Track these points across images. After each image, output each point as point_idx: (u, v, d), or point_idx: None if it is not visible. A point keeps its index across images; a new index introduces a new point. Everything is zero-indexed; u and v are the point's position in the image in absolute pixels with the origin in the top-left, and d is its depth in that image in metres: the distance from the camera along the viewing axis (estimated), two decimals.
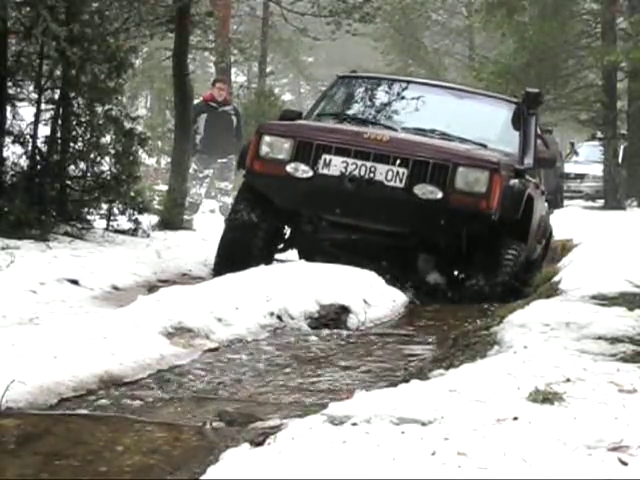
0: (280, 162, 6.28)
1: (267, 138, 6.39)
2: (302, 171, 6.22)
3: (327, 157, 6.17)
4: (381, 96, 7.46)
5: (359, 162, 6.10)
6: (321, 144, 6.22)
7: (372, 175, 6.08)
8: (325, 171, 6.16)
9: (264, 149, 6.36)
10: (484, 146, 6.69)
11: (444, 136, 6.73)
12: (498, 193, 6.03)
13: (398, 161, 6.08)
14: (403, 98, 7.36)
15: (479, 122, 7.17)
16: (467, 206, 6.02)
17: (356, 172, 6.09)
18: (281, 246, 6.88)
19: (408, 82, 7.80)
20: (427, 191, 6.04)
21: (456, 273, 6.68)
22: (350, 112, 7.35)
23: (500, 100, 7.64)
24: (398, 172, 6.07)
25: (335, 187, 6.12)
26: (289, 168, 6.24)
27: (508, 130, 7.17)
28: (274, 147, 6.34)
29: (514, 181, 6.28)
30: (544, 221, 8.11)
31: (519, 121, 7.18)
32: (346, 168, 6.11)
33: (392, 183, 6.06)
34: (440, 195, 6.03)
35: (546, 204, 8.69)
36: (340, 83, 7.64)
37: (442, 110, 7.24)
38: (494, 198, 6.02)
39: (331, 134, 6.38)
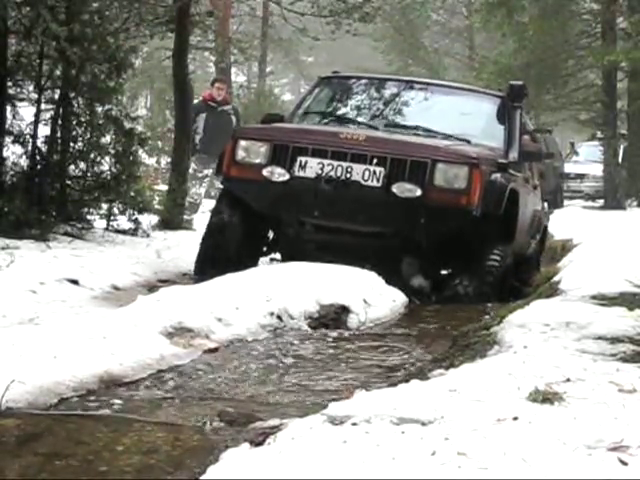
0: (256, 166, 6.19)
1: (243, 142, 6.30)
2: (278, 174, 6.12)
3: (303, 159, 6.07)
4: (363, 95, 7.36)
5: (335, 163, 6.00)
6: (297, 146, 6.12)
7: (349, 175, 5.97)
8: (301, 173, 6.06)
9: (240, 154, 6.27)
10: (467, 141, 6.56)
11: (427, 133, 6.62)
12: (479, 188, 5.89)
13: (375, 160, 5.96)
14: (385, 96, 7.26)
15: (462, 117, 7.04)
16: (447, 203, 5.89)
17: (332, 173, 5.98)
18: (264, 249, 6.78)
19: (390, 80, 7.72)
20: (405, 189, 5.93)
21: (440, 276, 6.50)
22: (332, 113, 7.23)
23: (484, 94, 7.53)
24: (375, 171, 5.95)
25: (312, 189, 6.02)
26: (265, 172, 6.15)
27: (492, 124, 7.02)
28: (250, 151, 6.26)
29: (496, 175, 6.13)
30: (537, 216, 7.96)
31: (503, 115, 7.03)
32: (322, 169, 6.01)
33: (369, 183, 5.95)
34: (419, 193, 5.91)
35: (545, 204, 8.57)
36: (322, 84, 7.52)
37: (425, 107, 7.13)
38: (475, 194, 5.88)
39: (307, 136, 6.27)
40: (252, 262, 6.29)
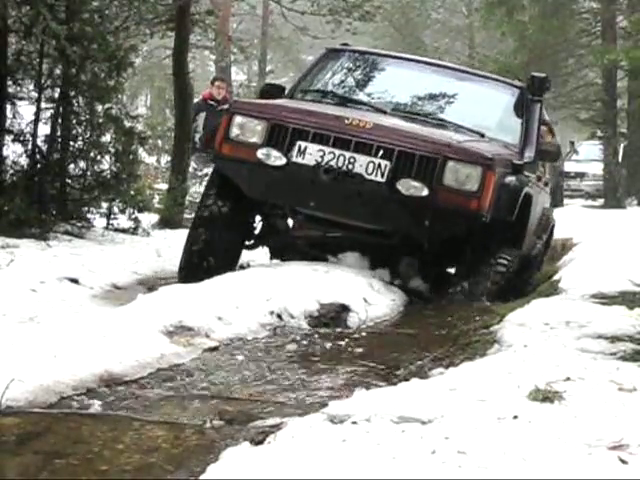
0: (251, 146, 5.66)
1: (238, 118, 5.75)
2: (274, 158, 5.60)
3: (302, 144, 5.56)
4: (372, 74, 6.81)
5: (337, 151, 5.51)
6: (297, 129, 5.61)
7: (351, 167, 5.48)
8: (299, 159, 5.56)
9: (234, 130, 5.74)
10: (481, 135, 6.09)
11: (438, 122, 6.14)
12: (491, 192, 5.45)
13: (381, 152, 5.48)
14: (396, 77, 6.73)
15: (478, 107, 6.55)
16: (456, 205, 5.43)
17: (333, 162, 5.49)
18: (250, 243, 6.31)
19: (404, 59, 7.15)
20: (411, 187, 5.45)
21: (441, 279, 6.11)
22: (337, 90, 6.63)
23: (503, 84, 6.94)
24: (380, 165, 5.47)
25: (309, 178, 5.52)
26: (260, 154, 5.62)
27: (509, 118, 6.55)
28: (245, 129, 5.72)
29: (510, 178, 5.71)
30: (545, 215, 7.55)
31: (522, 108, 6.53)
32: (322, 157, 5.52)
33: (373, 177, 5.47)
34: (426, 192, 5.44)
35: (548, 197, 8.26)
36: (329, 57, 6.95)
37: (438, 92, 6.61)
38: (486, 198, 5.44)
39: (309, 117, 5.70)
40: (234, 257, 6.02)
